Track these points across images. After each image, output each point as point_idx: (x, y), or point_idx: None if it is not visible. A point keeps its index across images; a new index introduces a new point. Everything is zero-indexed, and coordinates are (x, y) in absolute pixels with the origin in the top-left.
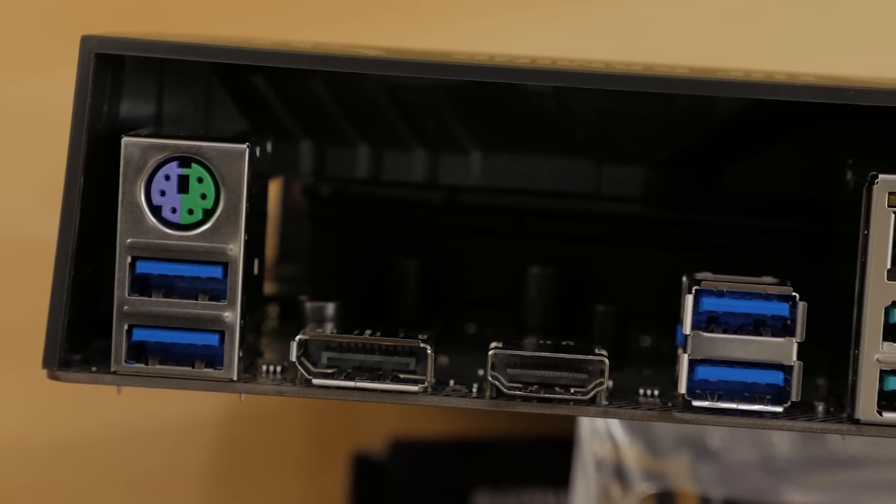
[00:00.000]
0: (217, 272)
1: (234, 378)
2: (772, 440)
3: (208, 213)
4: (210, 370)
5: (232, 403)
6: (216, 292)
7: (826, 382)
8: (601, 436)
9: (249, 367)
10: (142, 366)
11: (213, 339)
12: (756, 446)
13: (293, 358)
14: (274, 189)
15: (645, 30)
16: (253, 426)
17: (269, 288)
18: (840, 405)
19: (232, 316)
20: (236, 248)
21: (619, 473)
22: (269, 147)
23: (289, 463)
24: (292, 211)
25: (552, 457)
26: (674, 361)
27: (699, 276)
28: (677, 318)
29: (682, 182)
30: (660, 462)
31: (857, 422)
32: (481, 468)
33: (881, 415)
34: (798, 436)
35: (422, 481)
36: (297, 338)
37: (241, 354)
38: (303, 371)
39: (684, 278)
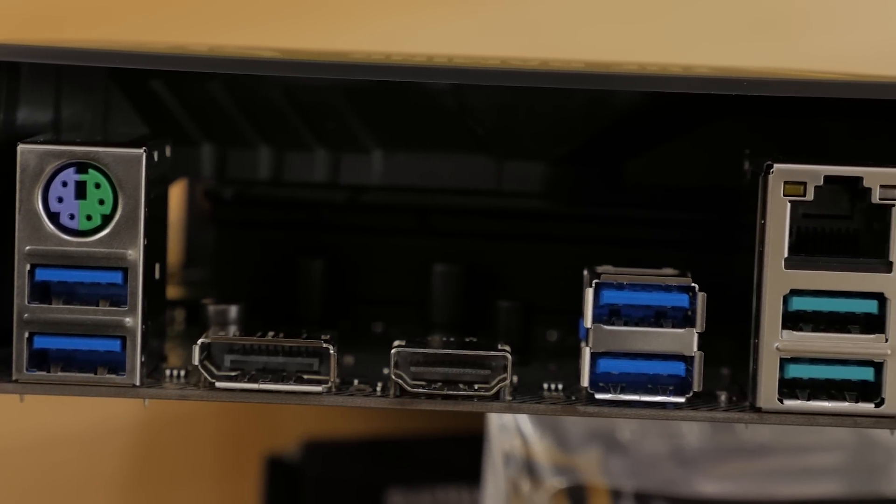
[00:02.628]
0: (117, 277)
1: (137, 383)
2: (681, 431)
3: (107, 219)
4: (113, 376)
5: (145, 409)
6: (117, 298)
7: (729, 372)
8: (510, 431)
9: (153, 372)
10: (44, 373)
11: (114, 345)
12: (666, 438)
13: (196, 362)
14: (177, 193)
15: (545, 25)
16: (167, 431)
17: (174, 292)
18: (743, 394)
19: (133, 321)
20: (136, 253)
21: (529, 469)
22: (167, 151)
23: (203, 467)
24: (196, 214)
25: (465, 454)
26: (579, 355)
27: (600, 269)
28: (581, 312)
29: (584, 176)
30: (570, 456)
31: (758, 410)
32: (395, 467)
33: (782, 402)
34: (707, 426)
35: (335, 481)
36: (199, 341)
37: (143, 359)
38: (206, 374)
39: (585, 272)
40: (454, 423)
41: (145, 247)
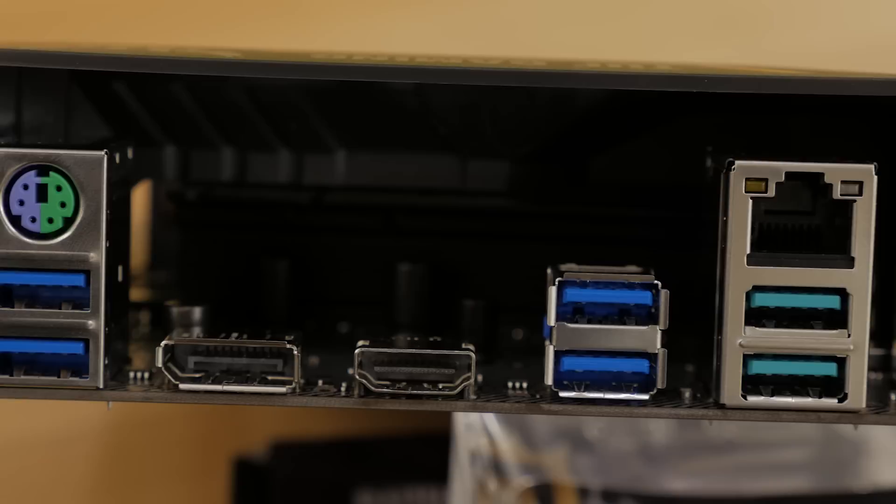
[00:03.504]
0: (79, 280)
1: (101, 386)
2: (648, 428)
3: (68, 222)
4: (76, 379)
5: (113, 412)
6: (79, 300)
7: (694, 369)
8: (476, 430)
9: (117, 375)
10: (6, 377)
11: (77, 348)
12: (633, 435)
13: (159, 364)
14: (140, 195)
15: (507, 25)
16: (135, 434)
17: (139, 294)
18: (707, 391)
19: (96, 324)
20: (98, 256)
21: (496, 467)
22: (129, 153)
23: (172, 469)
24: (160, 216)
25: (433, 453)
26: (544, 354)
27: (563, 267)
28: (546, 311)
29: (548, 174)
30: (537, 455)
31: (722, 407)
32: (363, 467)
33: (746, 399)
34: (674, 423)
35: (304, 482)
36: (163, 343)
37: (107, 362)
38: (169, 376)
39: (549, 270)
40: (422, 422)
41: (108, 249)
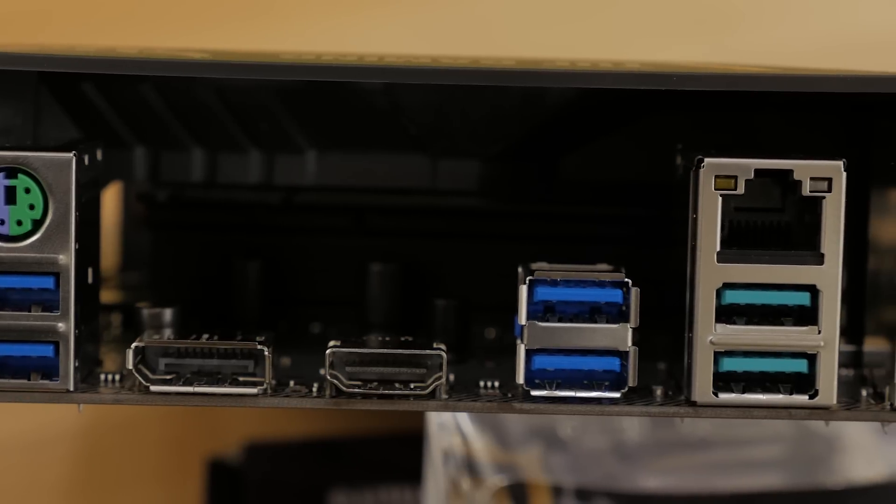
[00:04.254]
0: (49, 283)
1: (71, 388)
2: (622, 426)
3: (37, 224)
4: (46, 381)
5: (87, 415)
6: (49, 303)
7: (666, 366)
8: (449, 430)
9: (88, 377)
10: None
11: (47, 350)
12: (606, 433)
13: (130, 366)
14: (111, 196)
15: (477, 25)
16: (109, 436)
17: (111, 296)
18: (678, 388)
19: (66, 326)
20: (67, 258)
21: (470, 467)
22: (98, 155)
23: (146, 471)
24: (131, 218)
25: (407, 453)
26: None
27: (534, 266)
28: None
29: (519, 173)
30: (510, 454)
31: (693, 404)
32: (337, 467)
33: (717, 396)
34: (648, 421)
35: (278, 483)
36: (133, 345)
37: (77, 364)
38: (140, 378)
39: (520, 269)
40: (396, 422)
41: (77, 251)
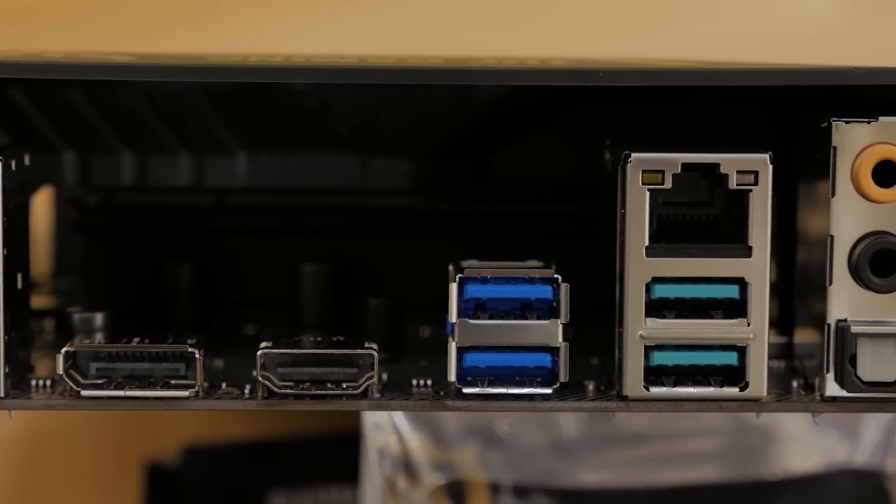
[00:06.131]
0: None
1: (1, 395)
2: (559, 423)
3: None
4: None
5: (23, 421)
6: None
7: (599, 361)
8: (385, 429)
9: (19, 383)
10: None
11: None
12: (543, 430)
13: (60, 371)
14: (41, 201)
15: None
16: (47, 442)
17: (43, 301)
18: (611, 383)
19: None
20: None
21: (406, 466)
22: (26, 159)
23: (85, 476)
24: (63, 222)
25: (345, 453)
26: None
27: (464, 263)
28: None
29: (450, 172)
30: (447, 452)
31: (625, 398)
32: (276, 469)
33: (648, 390)
34: (584, 416)
35: (216, 486)
36: (63, 350)
37: (7, 370)
38: (71, 383)
39: (450, 267)
40: (334, 423)
41: (5, 257)
